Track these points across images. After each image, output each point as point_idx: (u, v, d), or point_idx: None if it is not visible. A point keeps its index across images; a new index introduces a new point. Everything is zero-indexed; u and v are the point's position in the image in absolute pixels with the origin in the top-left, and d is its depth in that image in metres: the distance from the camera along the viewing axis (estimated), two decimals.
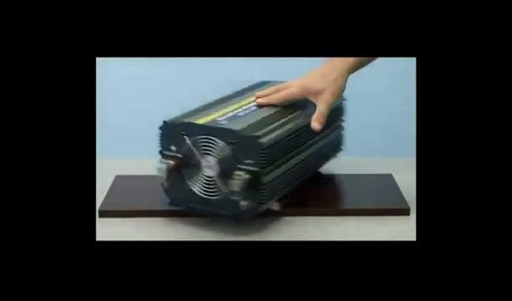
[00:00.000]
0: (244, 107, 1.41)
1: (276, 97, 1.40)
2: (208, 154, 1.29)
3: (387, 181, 1.50)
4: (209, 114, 1.36)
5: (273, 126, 1.34)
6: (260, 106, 1.41)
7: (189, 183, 1.32)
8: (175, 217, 1.38)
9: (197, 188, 1.31)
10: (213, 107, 1.41)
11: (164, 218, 1.38)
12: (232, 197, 1.29)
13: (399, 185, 1.47)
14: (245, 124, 1.31)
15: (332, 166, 1.52)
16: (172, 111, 2.23)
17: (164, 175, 1.31)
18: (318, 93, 1.36)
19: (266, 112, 1.39)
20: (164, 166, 1.31)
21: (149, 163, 1.63)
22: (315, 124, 1.36)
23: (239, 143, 1.27)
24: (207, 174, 1.30)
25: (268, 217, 1.34)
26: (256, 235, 1.32)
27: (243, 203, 1.28)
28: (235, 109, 1.39)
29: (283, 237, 1.31)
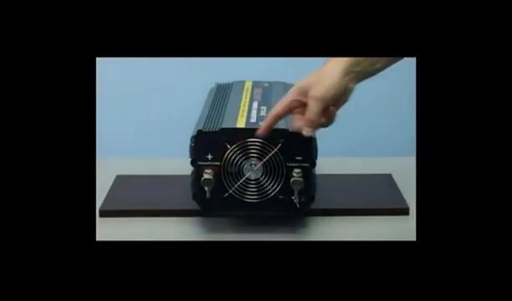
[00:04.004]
0: (254, 106, 1.41)
1: (273, 110, 1.27)
2: (252, 157, 1.29)
3: (387, 180, 1.50)
4: (232, 118, 1.35)
5: None
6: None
7: (230, 190, 1.30)
8: (175, 217, 1.38)
9: (240, 193, 1.30)
10: (222, 110, 1.40)
11: (164, 218, 1.38)
12: (282, 196, 1.29)
13: (399, 185, 1.47)
14: (283, 121, 1.31)
15: (332, 166, 1.52)
16: (173, 111, 2.23)
17: (212, 185, 1.29)
18: (308, 89, 1.24)
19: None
20: (211, 178, 1.28)
21: (149, 163, 1.63)
22: (304, 130, 1.24)
23: (289, 141, 1.28)
24: (250, 177, 1.30)
25: (267, 218, 1.34)
26: (256, 235, 1.32)
27: (298, 200, 1.28)
28: (248, 109, 1.39)
29: (283, 237, 1.31)
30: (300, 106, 1.25)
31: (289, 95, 1.26)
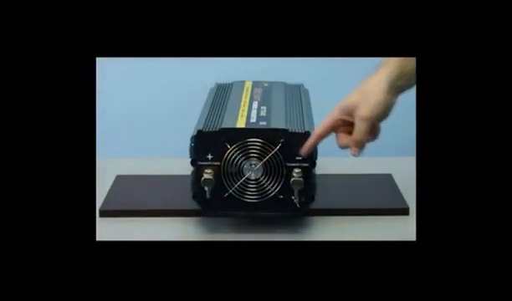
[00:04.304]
0: (254, 106, 1.41)
1: (317, 129, 1.27)
2: (252, 157, 1.29)
3: (387, 180, 1.50)
4: (232, 118, 1.35)
5: (303, 118, 1.35)
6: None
7: (230, 190, 1.30)
8: (175, 217, 1.38)
9: (240, 193, 1.30)
10: (222, 110, 1.40)
11: (164, 218, 1.38)
12: (282, 196, 1.29)
13: (399, 185, 1.47)
14: (283, 121, 1.32)
15: (332, 166, 1.52)
16: (173, 111, 2.23)
17: (212, 185, 1.29)
18: (354, 109, 1.23)
19: (282, 104, 1.40)
20: (211, 178, 1.28)
21: (149, 163, 1.63)
22: (353, 149, 1.24)
23: (289, 141, 1.28)
24: (250, 177, 1.30)
25: (267, 218, 1.34)
26: (256, 235, 1.32)
27: (298, 200, 1.28)
28: (248, 109, 1.39)
29: (283, 237, 1.31)
30: (344, 125, 1.26)
31: (332, 114, 1.26)
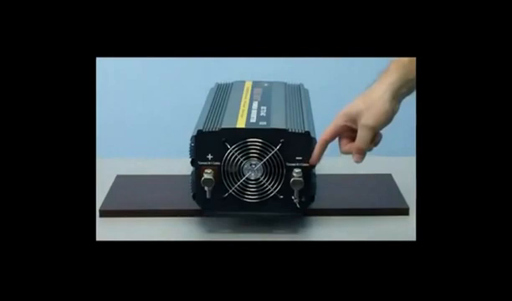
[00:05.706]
0: (254, 106, 1.41)
1: (322, 135, 1.28)
2: (252, 157, 1.29)
3: (387, 180, 1.50)
4: (232, 118, 1.35)
5: (303, 118, 1.35)
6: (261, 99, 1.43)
7: (229, 189, 1.30)
8: (175, 217, 1.38)
9: (240, 193, 1.30)
10: (222, 110, 1.40)
11: (164, 218, 1.38)
12: (282, 196, 1.29)
13: (399, 185, 1.47)
14: (283, 121, 1.32)
15: (332, 166, 1.52)
16: (173, 111, 2.23)
17: (212, 185, 1.29)
18: (358, 117, 1.25)
19: (282, 104, 1.41)
20: (211, 178, 1.28)
21: (149, 163, 1.63)
22: (355, 156, 1.26)
23: (289, 141, 1.28)
24: (250, 177, 1.30)
25: (267, 218, 1.34)
26: (256, 235, 1.32)
27: (298, 200, 1.29)
28: (248, 109, 1.39)
29: (283, 237, 1.31)
30: (347, 131, 1.27)
31: (336, 121, 1.27)
